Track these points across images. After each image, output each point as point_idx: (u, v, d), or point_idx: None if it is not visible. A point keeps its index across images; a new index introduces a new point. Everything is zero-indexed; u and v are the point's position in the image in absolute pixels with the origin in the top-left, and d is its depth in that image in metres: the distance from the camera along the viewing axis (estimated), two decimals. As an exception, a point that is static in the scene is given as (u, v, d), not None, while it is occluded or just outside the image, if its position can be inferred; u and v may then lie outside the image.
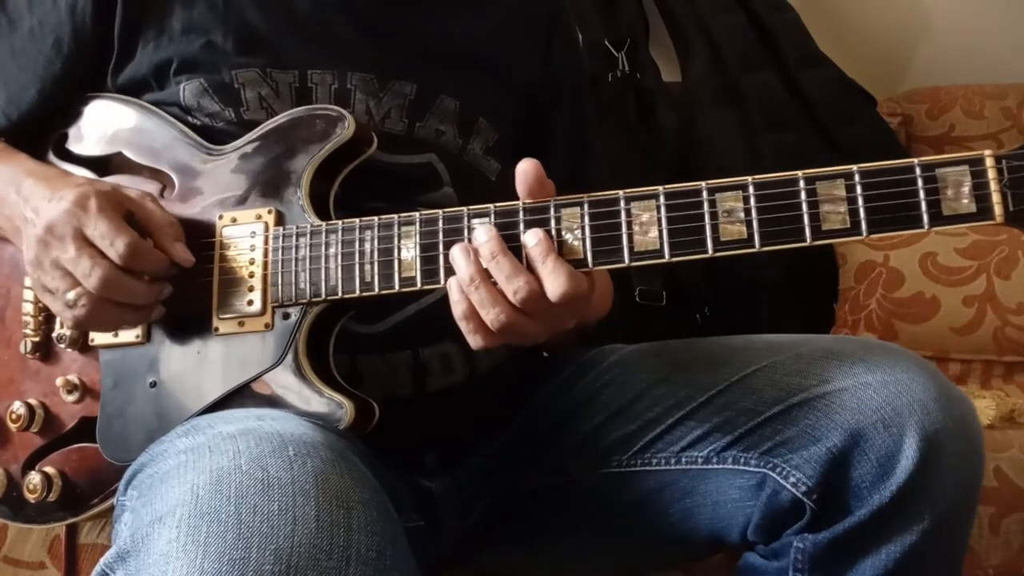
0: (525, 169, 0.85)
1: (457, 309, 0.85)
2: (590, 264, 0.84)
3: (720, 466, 1.01)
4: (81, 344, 1.00)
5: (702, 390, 1.03)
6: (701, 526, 1.04)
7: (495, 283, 0.83)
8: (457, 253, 0.85)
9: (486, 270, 0.84)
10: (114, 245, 0.88)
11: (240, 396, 0.93)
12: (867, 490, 0.92)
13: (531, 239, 0.84)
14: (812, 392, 0.97)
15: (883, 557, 0.93)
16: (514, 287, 0.82)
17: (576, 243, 0.84)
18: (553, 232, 0.84)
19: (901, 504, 0.92)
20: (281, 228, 0.94)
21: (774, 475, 0.97)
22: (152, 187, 1.00)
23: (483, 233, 0.85)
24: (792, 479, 0.95)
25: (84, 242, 0.89)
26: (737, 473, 1.00)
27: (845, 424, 0.94)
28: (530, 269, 0.83)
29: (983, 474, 0.97)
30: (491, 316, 0.83)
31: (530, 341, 0.87)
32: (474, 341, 0.86)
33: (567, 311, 0.85)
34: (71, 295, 0.90)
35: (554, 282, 0.82)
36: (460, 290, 0.84)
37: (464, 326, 0.85)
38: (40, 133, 1.07)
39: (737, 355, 1.04)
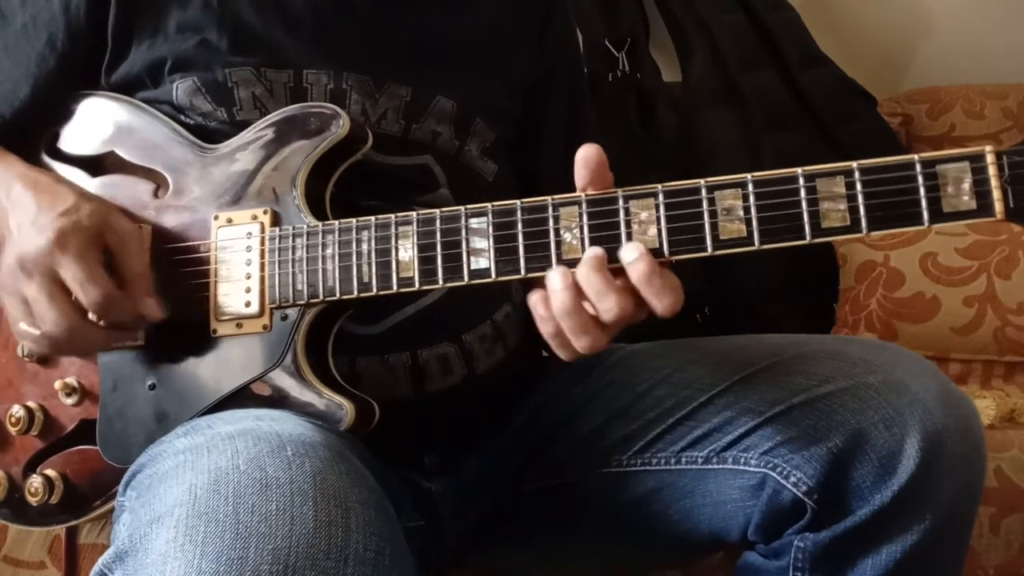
0: (587, 155, 0.83)
1: (546, 328, 0.84)
2: None
3: (720, 466, 1.01)
4: (79, 346, 1.00)
5: (702, 390, 1.03)
6: (701, 526, 1.04)
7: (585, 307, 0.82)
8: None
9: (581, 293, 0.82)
10: (85, 292, 0.88)
11: (240, 398, 0.92)
12: (868, 490, 0.92)
13: (631, 253, 0.81)
14: (813, 392, 0.96)
15: (884, 557, 0.93)
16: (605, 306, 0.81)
17: (574, 242, 0.83)
18: (551, 231, 0.84)
19: (902, 504, 0.92)
20: (277, 229, 0.93)
21: (774, 475, 0.96)
22: (146, 187, 1.00)
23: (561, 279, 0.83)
24: (793, 479, 0.95)
25: (52, 284, 0.88)
26: (737, 473, 1.00)
27: (846, 424, 0.94)
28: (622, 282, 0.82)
29: (984, 474, 0.97)
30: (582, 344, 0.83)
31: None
32: (565, 355, 0.85)
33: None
34: (31, 332, 0.90)
35: (661, 302, 0.81)
36: (550, 315, 0.83)
37: (553, 343, 0.85)
38: (33, 131, 1.06)
39: (737, 355, 1.04)
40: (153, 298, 0.92)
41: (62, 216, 0.89)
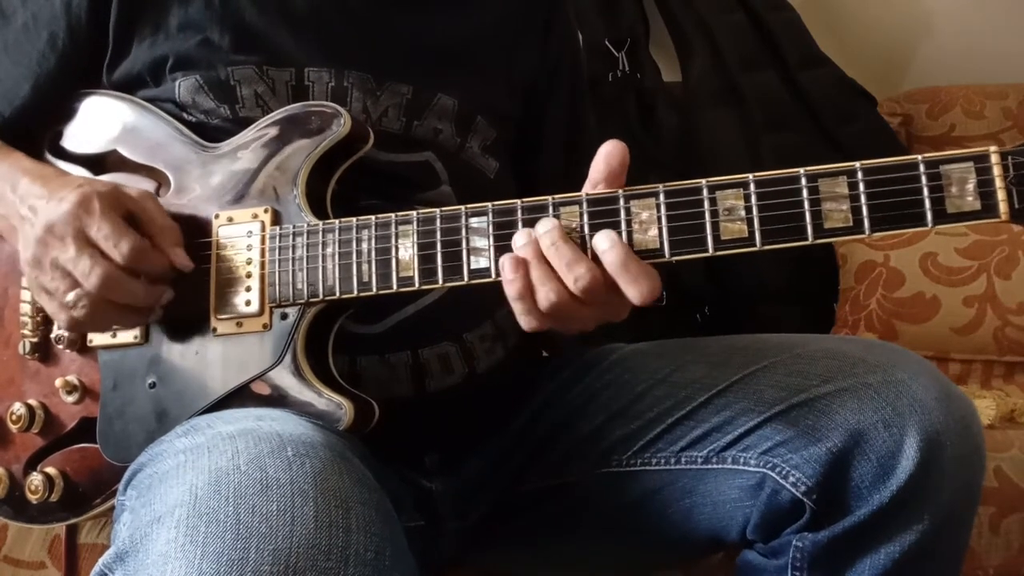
0: (611, 151, 0.83)
1: (511, 288, 0.83)
2: None
3: (720, 466, 1.00)
4: (80, 345, 1.00)
5: (702, 390, 1.02)
6: (701, 526, 1.04)
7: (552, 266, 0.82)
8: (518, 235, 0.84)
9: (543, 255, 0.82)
10: (118, 246, 0.88)
11: (240, 397, 0.92)
12: (867, 490, 0.92)
13: (604, 242, 0.81)
14: (812, 392, 0.96)
15: (882, 557, 0.93)
16: (575, 275, 0.80)
17: (575, 241, 0.83)
18: None
19: (901, 504, 0.91)
20: (278, 228, 0.93)
21: (774, 475, 0.96)
22: (148, 185, 1.00)
23: (545, 223, 0.83)
24: (792, 479, 0.95)
25: (85, 242, 0.88)
26: (737, 473, 0.99)
27: (845, 424, 0.93)
28: (596, 262, 0.81)
29: (984, 474, 0.97)
30: (543, 294, 0.82)
31: (579, 328, 0.86)
32: (526, 323, 0.84)
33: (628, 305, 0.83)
34: (71, 296, 0.89)
35: (638, 288, 0.80)
36: (514, 268, 0.83)
37: (517, 307, 0.84)
38: (35, 129, 1.07)
39: (737, 355, 1.04)
40: (182, 248, 0.93)
41: (79, 187, 0.90)
